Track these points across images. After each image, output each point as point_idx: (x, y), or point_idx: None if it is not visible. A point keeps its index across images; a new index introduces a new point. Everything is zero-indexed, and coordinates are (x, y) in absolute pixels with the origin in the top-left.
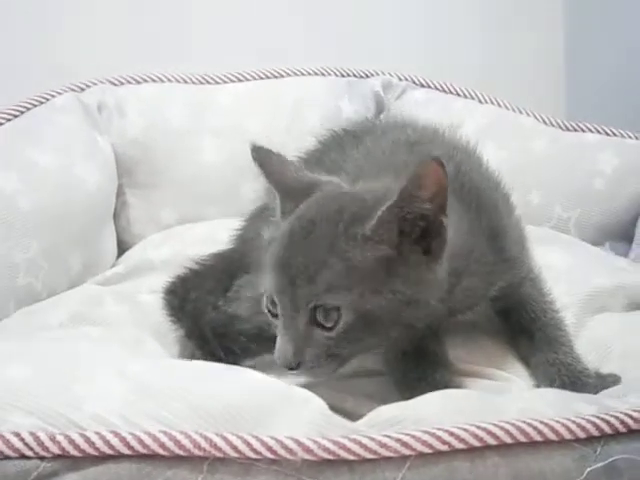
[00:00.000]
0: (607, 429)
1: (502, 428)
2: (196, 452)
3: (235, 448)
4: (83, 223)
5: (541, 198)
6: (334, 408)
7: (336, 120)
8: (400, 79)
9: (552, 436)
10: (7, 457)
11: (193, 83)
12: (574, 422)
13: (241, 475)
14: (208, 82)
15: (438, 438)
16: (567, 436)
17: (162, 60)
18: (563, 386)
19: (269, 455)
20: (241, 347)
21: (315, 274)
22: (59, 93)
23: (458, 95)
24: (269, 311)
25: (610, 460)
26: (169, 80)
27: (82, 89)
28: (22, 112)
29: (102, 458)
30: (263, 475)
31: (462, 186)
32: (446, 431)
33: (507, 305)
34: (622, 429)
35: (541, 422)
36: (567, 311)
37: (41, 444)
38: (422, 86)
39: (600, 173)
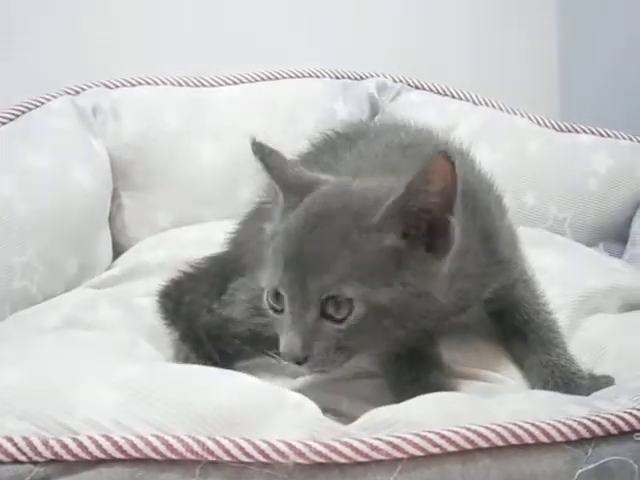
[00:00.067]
0: (598, 431)
1: (493, 430)
2: (188, 456)
3: (227, 452)
4: (78, 226)
5: (536, 199)
6: (329, 410)
7: (331, 122)
8: (395, 81)
9: (543, 438)
10: (0, 462)
11: (188, 86)
12: (565, 424)
13: (233, 478)
14: (203, 85)
15: (429, 441)
16: (558, 438)
17: (157, 63)
18: (557, 388)
19: (261, 459)
20: (235, 350)
21: (328, 265)
22: (54, 97)
23: (453, 97)
24: (271, 307)
25: (601, 462)
26: (164, 83)
27: (77, 92)
28: (17, 115)
29: (95, 462)
30: (255, 478)
31: None
32: (437, 434)
33: (500, 307)
34: (613, 431)
35: (532, 424)
36: (561, 312)
37: (34, 449)
38: (417, 88)
39: (594, 174)
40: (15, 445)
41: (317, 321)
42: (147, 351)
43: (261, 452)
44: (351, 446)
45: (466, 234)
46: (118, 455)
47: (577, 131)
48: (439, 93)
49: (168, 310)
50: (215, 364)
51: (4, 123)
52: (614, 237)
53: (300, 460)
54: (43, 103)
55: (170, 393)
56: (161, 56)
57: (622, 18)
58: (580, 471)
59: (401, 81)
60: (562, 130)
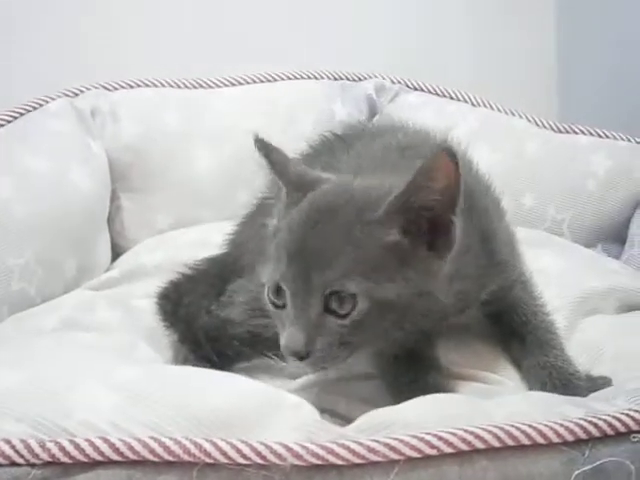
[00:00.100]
0: (595, 432)
1: (490, 432)
2: (186, 458)
3: (225, 454)
4: (77, 228)
5: (534, 200)
6: (327, 411)
7: (329, 123)
8: (393, 82)
9: (540, 439)
10: None
11: (187, 88)
12: (562, 425)
13: None
14: (202, 86)
15: (427, 442)
16: (555, 439)
17: (156, 65)
18: (554, 389)
19: (259, 460)
20: (234, 351)
21: (331, 260)
22: (53, 98)
23: (451, 98)
24: (272, 302)
25: (598, 463)
26: (163, 85)
27: (76, 94)
28: (16, 117)
29: (92, 464)
30: None
31: None
32: (434, 435)
33: (498, 308)
34: (610, 432)
35: (529, 426)
36: (559, 313)
37: (31, 451)
38: (415, 89)
39: (593, 175)
40: (13, 447)
41: (320, 316)
42: (146, 353)
43: (258, 454)
44: (348, 448)
45: (465, 234)
46: (115, 457)
47: (575, 132)
48: (437, 94)
49: (167, 312)
50: (214, 365)
51: (2, 125)
52: (612, 238)
53: (297, 462)
54: (42, 105)
55: (167, 395)
56: (160, 58)
57: (621, 19)
58: (577, 472)
59: (399, 82)
60: (560, 131)
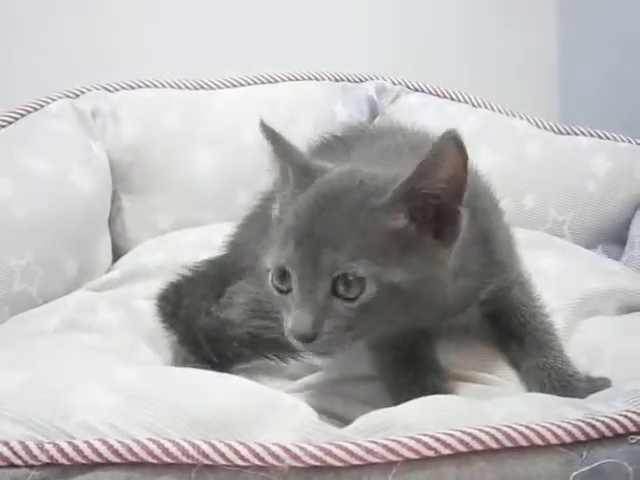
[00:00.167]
0: (593, 433)
1: (488, 433)
2: (184, 459)
3: (223, 455)
4: (78, 229)
5: (535, 201)
6: (326, 412)
7: (330, 125)
8: (394, 83)
9: (538, 441)
10: None
11: (187, 89)
12: (560, 426)
13: None
14: (203, 87)
15: (424, 444)
16: (553, 441)
17: (156, 66)
18: (553, 390)
19: (256, 462)
20: (234, 352)
21: (340, 244)
22: (53, 99)
23: (452, 99)
24: (275, 287)
25: (596, 464)
26: (163, 86)
27: (77, 95)
28: (17, 118)
29: (90, 466)
30: None
31: None
32: (432, 437)
33: (497, 309)
34: (608, 433)
35: (527, 427)
36: (559, 315)
37: (30, 453)
38: (416, 90)
39: (593, 176)
40: (11, 449)
41: (328, 299)
42: (146, 354)
43: (256, 455)
44: (346, 449)
45: (466, 231)
46: (114, 459)
47: (576, 133)
48: (438, 95)
49: (167, 313)
50: (214, 367)
51: (3, 126)
52: (613, 239)
53: (295, 463)
54: (43, 106)
55: (165, 397)
56: (161, 59)
57: (622, 21)
58: (575, 473)
59: (400, 83)
60: (561, 132)
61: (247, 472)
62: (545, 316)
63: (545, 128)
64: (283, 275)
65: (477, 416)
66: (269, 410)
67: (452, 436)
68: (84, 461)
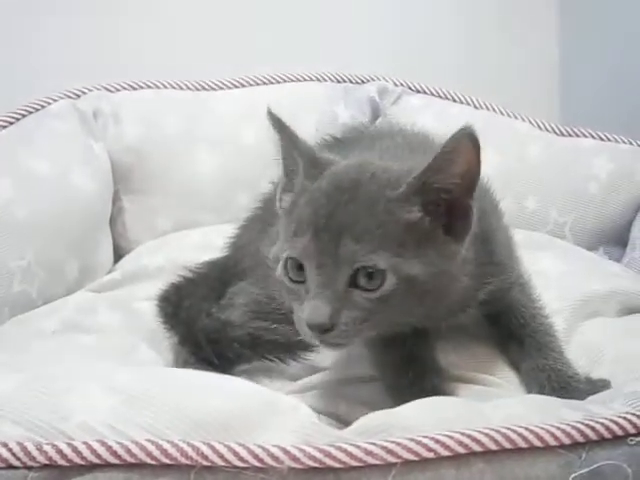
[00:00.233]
0: (592, 435)
1: (487, 435)
2: (183, 461)
3: (222, 456)
4: (79, 229)
5: (536, 203)
6: (326, 413)
7: (332, 126)
8: (396, 85)
9: (537, 442)
10: None
11: (189, 89)
12: (559, 428)
13: None
14: (204, 88)
15: (424, 445)
16: (552, 442)
17: (158, 66)
18: (553, 391)
19: (256, 463)
20: (234, 353)
21: (360, 236)
22: (55, 100)
23: (453, 100)
24: (289, 278)
25: (595, 466)
26: (165, 87)
27: (78, 96)
28: (18, 119)
29: (89, 467)
30: None
31: None
32: (431, 438)
33: (497, 310)
34: (607, 435)
35: (526, 428)
36: (559, 316)
37: (28, 454)
38: (418, 92)
39: (595, 178)
40: (10, 450)
41: (347, 290)
42: (147, 355)
43: (255, 457)
44: (345, 451)
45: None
46: (113, 460)
47: (577, 135)
48: (440, 97)
49: (167, 314)
50: (214, 368)
51: (4, 127)
52: (614, 241)
53: (294, 465)
54: (44, 106)
55: (166, 398)
56: (162, 60)
57: (622, 23)
58: (574, 475)
59: (402, 85)
60: (563, 134)
61: (246, 473)
62: (545, 317)
63: (547, 130)
64: (296, 265)
65: (476, 418)
66: (269, 412)
67: (451, 438)
68: (83, 462)
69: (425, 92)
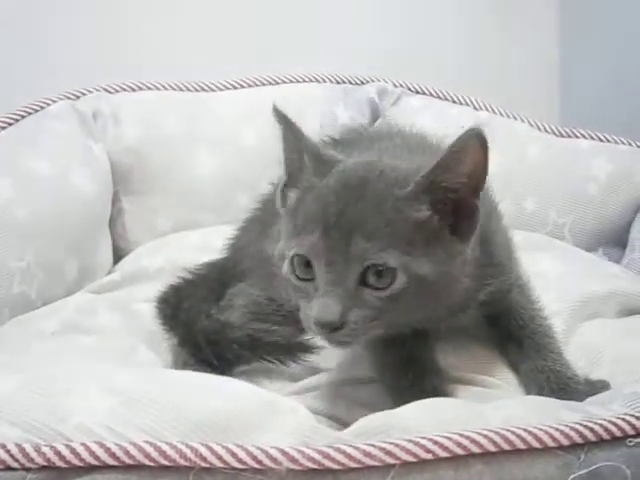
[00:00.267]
0: (591, 436)
1: (486, 436)
2: (182, 462)
3: (220, 458)
4: (78, 230)
5: (536, 204)
6: (326, 415)
7: (332, 127)
8: (395, 86)
9: (535, 444)
10: None
11: (189, 90)
12: (557, 430)
13: None
14: (204, 89)
15: (422, 447)
16: (550, 444)
17: (157, 67)
18: (552, 393)
19: (254, 465)
20: (234, 355)
21: (371, 234)
22: (54, 101)
23: (453, 101)
24: (296, 275)
25: (594, 467)
26: (164, 88)
27: (77, 97)
28: (17, 120)
29: (87, 469)
30: None
31: None
32: (430, 440)
33: (496, 311)
34: (606, 436)
35: (524, 430)
36: (559, 317)
37: (26, 455)
38: (417, 92)
39: (594, 179)
40: (8, 452)
41: (357, 289)
42: (146, 356)
43: (254, 458)
44: (344, 452)
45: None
46: (111, 462)
47: (577, 136)
48: (439, 98)
49: (167, 316)
50: (214, 369)
51: (4, 127)
52: (613, 242)
53: (293, 466)
54: (43, 107)
55: (165, 399)
56: (161, 60)
57: (622, 24)
58: (572, 476)
59: (401, 86)
60: (562, 135)
61: (245, 475)
62: (544, 319)
63: (546, 131)
64: (304, 263)
65: (475, 419)
66: (268, 413)
67: (450, 439)
68: (81, 464)
69: (424, 93)
